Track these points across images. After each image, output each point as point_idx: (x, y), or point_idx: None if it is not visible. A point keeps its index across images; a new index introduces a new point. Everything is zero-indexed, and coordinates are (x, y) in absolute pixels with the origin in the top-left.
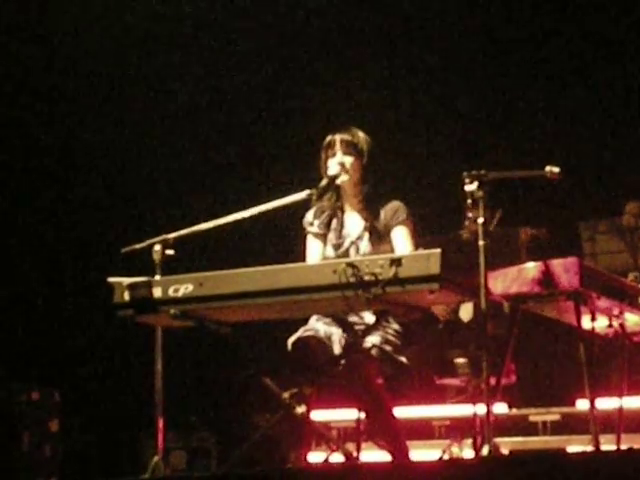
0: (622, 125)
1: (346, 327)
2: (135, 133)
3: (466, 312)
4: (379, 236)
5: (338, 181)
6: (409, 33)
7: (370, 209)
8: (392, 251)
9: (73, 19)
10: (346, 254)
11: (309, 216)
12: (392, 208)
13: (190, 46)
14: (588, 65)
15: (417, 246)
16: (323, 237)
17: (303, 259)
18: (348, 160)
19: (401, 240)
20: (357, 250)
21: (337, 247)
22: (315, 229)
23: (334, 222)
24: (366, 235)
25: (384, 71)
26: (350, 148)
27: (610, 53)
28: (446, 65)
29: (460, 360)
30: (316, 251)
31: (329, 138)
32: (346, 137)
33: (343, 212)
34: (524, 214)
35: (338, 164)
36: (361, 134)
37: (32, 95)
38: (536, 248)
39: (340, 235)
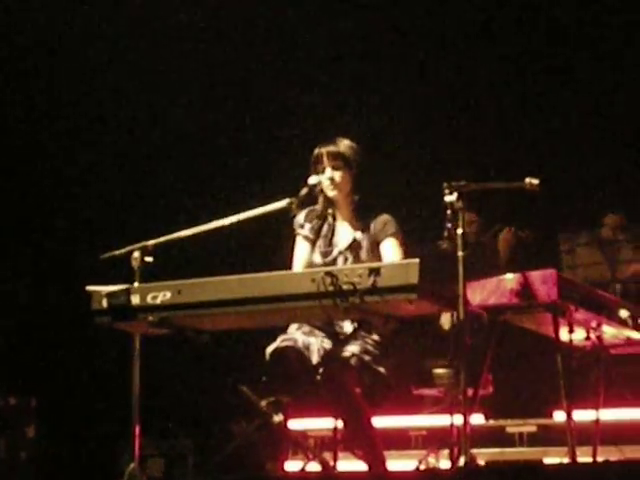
0: (602, 137)
1: (325, 336)
2: (116, 140)
3: (447, 319)
4: (368, 248)
5: (329, 194)
6: (395, 46)
7: (361, 220)
8: None
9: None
10: (333, 263)
11: (300, 218)
12: (382, 221)
13: (176, 53)
14: (569, 76)
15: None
16: (312, 241)
17: (291, 260)
18: (337, 174)
19: (391, 253)
20: (345, 260)
21: (325, 255)
22: (305, 232)
23: (325, 229)
24: (355, 246)
25: (369, 80)
26: (338, 161)
27: (592, 65)
28: (430, 74)
29: (439, 370)
30: (303, 254)
31: (316, 152)
32: (332, 149)
33: (335, 220)
34: (503, 225)
35: (328, 179)
36: (347, 143)
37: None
38: (519, 249)
39: (330, 243)
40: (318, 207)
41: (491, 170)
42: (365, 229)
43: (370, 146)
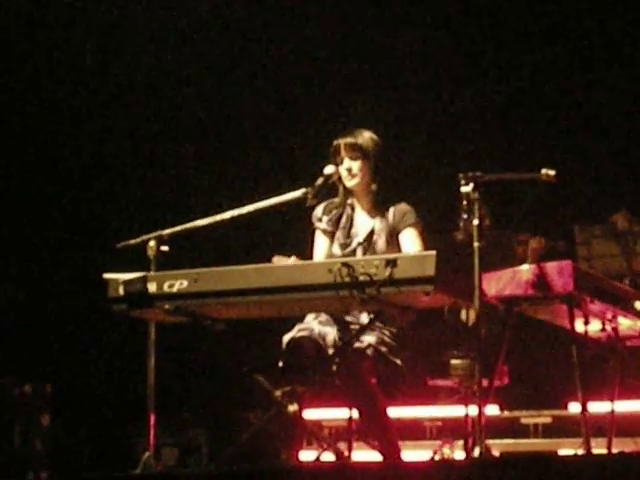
0: (619, 129)
1: (341, 326)
2: (131, 129)
3: (470, 314)
4: (386, 238)
5: (348, 185)
6: (409, 36)
7: (380, 210)
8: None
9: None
10: (353, 254)
11: (318, 211)
12: (401, 211)
13: (186, 46)
14: (585, 69)
15: (426, 249)
16: (331, 234)
17: (311, 253)
18: (355, 165)
19: (410, 243)
20: (364, 251)
21: (344, 247)
22: (323, 225)
23: (343, 220)
24: (374, 237)
25: (385, 73)
26: (356, 152)
27: (609, 56)
28: (445, 65)
29: (455, 361)
30: (322, 248)
31: (334, 143)
32: (350, 140)
33: (353, 211)
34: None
35: (346, 170)
36: (366, 134)
37: (29, 89)
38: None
39: (348, 235)
40: (337, 198)
41: (506, 162)
42: (383, 218)
43: (386, 137)
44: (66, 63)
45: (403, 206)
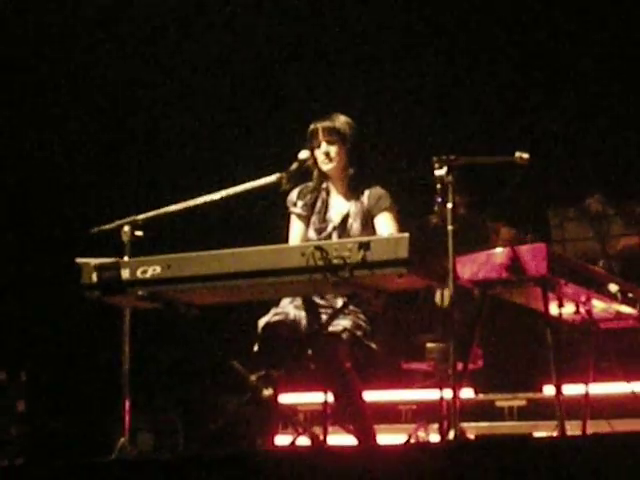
0: (594, 110)
1: (316, 310)
2: (108, 114)
3: (444, 296)
4: (361, 221)
5: (324, 169)
6: (388, 22)
7: (355, 193)
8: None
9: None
10: (328, 238)
11: (293, 196)
12: (375, 194)
13: (170, 29)
14: (558, 50)
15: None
16: (306, 219)
17: (286, 238)
18: (332, 149)
19: (385, 227)
20: (339, 236)
21: (320, 231)
22: (298, 210)
23: (318, 204)
24: (349, 220)
25: (362, 57)
26: (333, 135)
27: (585, 34)
28: (421, 49)
29: (429, 345)
30: (298, 232)
31: (312, 127)
32: (327, 124)
33: (329, 194)
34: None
35: (323, 154)
36: (343, 118)
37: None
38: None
39: (324, 219)
40: (311, 183)
41: (480, 146)
42: (358, 201)
43: (361, 120)
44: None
45: (378, 190)
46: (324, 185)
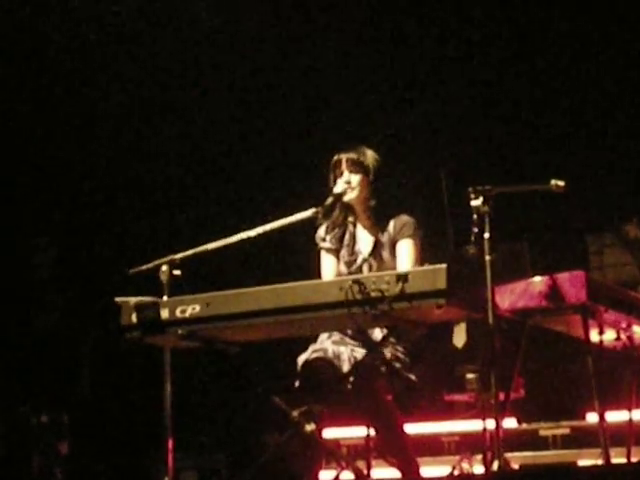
0: (629, 136)
1: (355, 344)
2: (140, 152)
3: (459, 338)
4: (389, 250)
5: (345, 199)
6: (413, 52)
7: (380, 224)
8: None
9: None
10: (359, 271)
11: (321, 231)
12: (400, 222)
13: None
14: (592, 76)
15: (422, 262)
16: (336, 252)
17: (318, 275)
18: (355, 178)
19: (404, 255)
20: (370, 267)
21: (350, 264)
22: (327, 244)
23: (346, 238)
24: (377, 252)
25: (389, 86)
26: (357, 166)
27: (617, 62)
28: (449, 78)
29: (470, 376)
30: (330, 266)
31: (336, 157)
32: (352, 156)
33: (355, 228)
34: (531, 227)
35: (345, 182)
36: (368, 152)
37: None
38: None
39: (352, 252)
40: (337, 219)
41: (516, 173)
42: (385, 232)
43: (393, 151)
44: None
45: (403, 217)
46: (350, 219)
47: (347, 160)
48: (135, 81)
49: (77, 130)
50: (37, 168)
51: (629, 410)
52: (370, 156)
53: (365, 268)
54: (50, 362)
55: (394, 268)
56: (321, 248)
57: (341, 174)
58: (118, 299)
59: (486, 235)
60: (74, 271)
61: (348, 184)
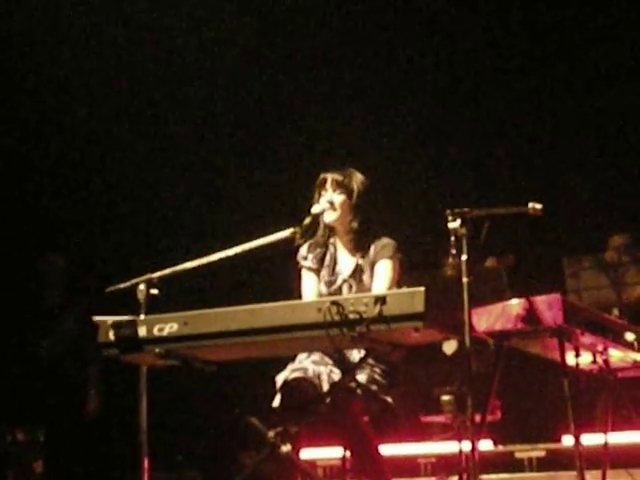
0: (607, 161)
1: (333, 365)
2: (118, 172)
3: (449, 346)
4: (369, 274)
5: (326, 219)
6: (394, 74)
7: (361, 246)
8: None
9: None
10: (338, 292)
11: (303, 251)
12: (382, 244)
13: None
14: (568, 100)
15: (400, 285)
16: (317, 272)
17: (299, 294)
18: (338, 198)
19: (381, 275)
20: (350, 288)
21: (329, 284)
22: (309, 263)
23: (327, 258)
24: (358, 272)
25: (371, 110)
26: (341, 187)
27: (593, 85)
28: (429, 102)
29: (446, 397)
30: (311, 285)
31: (321, 177)
32: (337, 177)
33: (336, 249)
34: (508, 250)
35: (327, 202)
36: (356, 174)
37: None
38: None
39: (333, 272)
40: (318, 238)
41: (493, 196)
42: (365, 254)
43: (373, 173)
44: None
45: (384, 240)
46: (331, 240)
47: (332, 180)
48: (110, 98)
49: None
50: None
51: (604, 433)
52: (356, 178)
53: (345, 289)
54: (26, 379)
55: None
56: (302, 267)
57: (325, 193)
58: (96, 318)
59: (463, 257)
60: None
61: (331, 204)
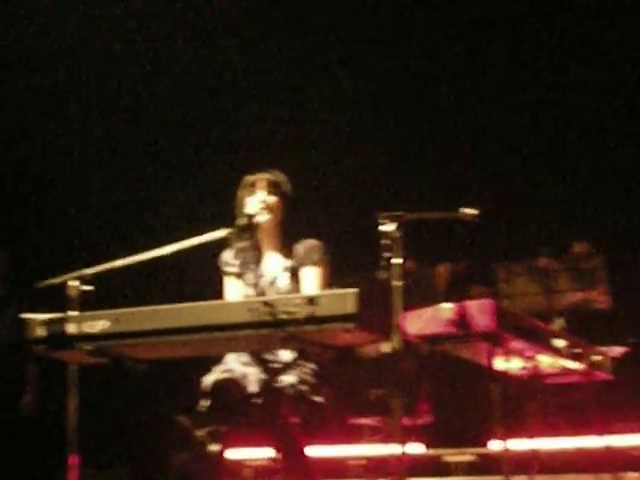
0: (541, 166)
1: (262, 366)
2: (53, 167)
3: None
4: (295, 275)
5: (260, 220)
6: (327, 73)
7: (288, 248)
8: None
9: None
10: (263, 294)
11: (225, 256)
12: (308, 246)
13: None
14: (505, 102)
15: (331, 286)
16: (240, 276)
17: (222, 297)
18: (272, 200)
19: (309, 281)
20: (276, 290)
21: (254, 286)
22: (230, 269)
23: (251, 260)
24: (283, 275)
25: (302, 111)
26: (275, 188)
27: (534, 86)
28: (362, 103)
29: (377, 399)
30: (233, 290)
31: (251, 178)
32: (270, 178)
33: (261, 251)
34: (441, 254)
35: (262, 202)
36: (281, 175)
37: None
38: (456, 283)
39: (258, 274)
40: (245, 242)
41: (427, 200)
42: (290, 256)
43: (305, 177)
44: None
45: (311, 242)
46: (257, 241)
47: (266, 181)
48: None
49: None
50: None
51: (532, 439)
52: (285, 180)
53: (270, 291)
54: None
55: (298, 292)
56: (223, 272)
57: (253, 194)
58: (25, 315)
59: (396, 260)
60: None
61: (265, 204)
